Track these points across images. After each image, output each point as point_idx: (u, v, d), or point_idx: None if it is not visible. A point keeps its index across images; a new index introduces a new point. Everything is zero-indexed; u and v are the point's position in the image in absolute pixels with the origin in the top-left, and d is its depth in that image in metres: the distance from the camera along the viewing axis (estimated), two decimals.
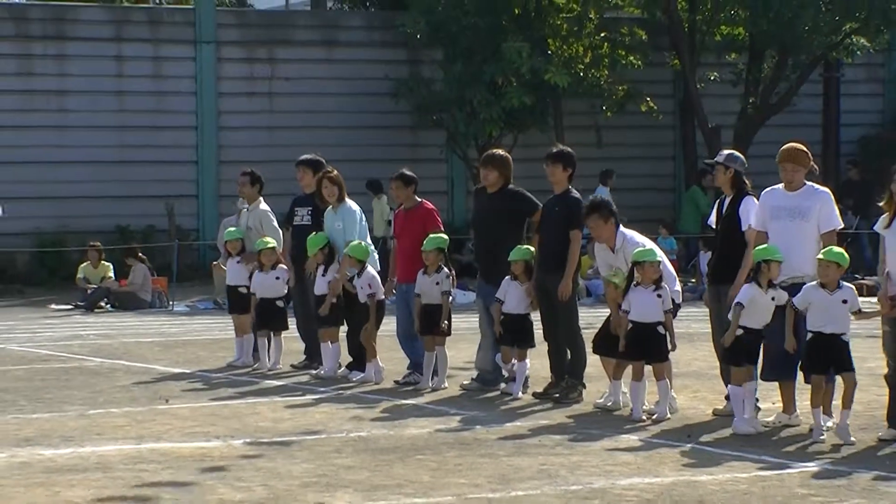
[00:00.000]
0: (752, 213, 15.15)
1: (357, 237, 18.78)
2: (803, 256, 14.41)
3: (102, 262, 31.78)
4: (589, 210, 16.36)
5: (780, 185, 15.04)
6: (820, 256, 14.06)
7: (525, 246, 17.12)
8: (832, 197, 15.22)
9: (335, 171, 19.55)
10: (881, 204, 14.43)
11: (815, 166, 15.62)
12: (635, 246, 16.09)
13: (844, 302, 13.97)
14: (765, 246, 14.60)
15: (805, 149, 15.17)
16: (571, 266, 16.71)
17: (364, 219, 19.51)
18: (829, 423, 14.17)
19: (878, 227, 14.54)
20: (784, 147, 15.19)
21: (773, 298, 14.48)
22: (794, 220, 14.78)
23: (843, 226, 15.33)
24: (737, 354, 14.61)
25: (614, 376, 16.14)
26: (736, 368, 14.62)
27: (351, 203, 19.26)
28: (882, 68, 43.55)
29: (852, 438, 13.89)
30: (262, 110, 38.42)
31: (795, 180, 14.95)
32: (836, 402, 14.31)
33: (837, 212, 15.18)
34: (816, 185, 15.22)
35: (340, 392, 17.90)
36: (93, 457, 13.56)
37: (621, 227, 16.36)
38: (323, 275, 18.90)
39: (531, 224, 17.57)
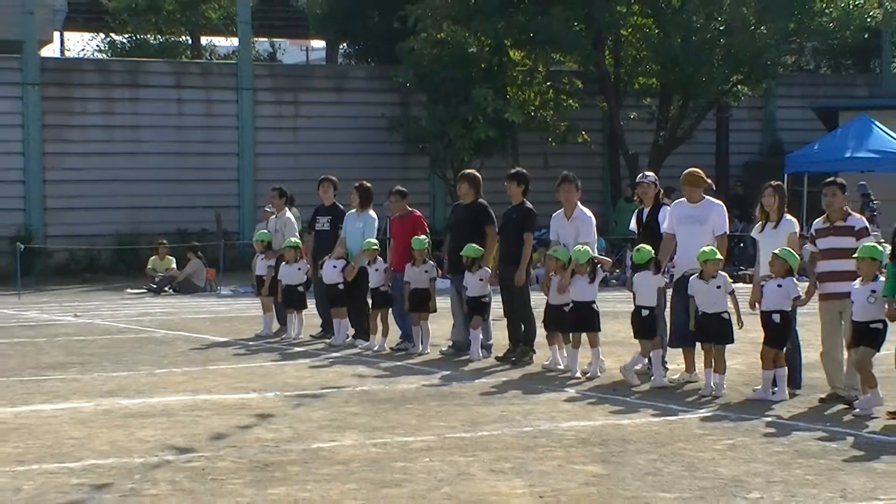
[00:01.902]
0: (666, 219, 15.31)
1: (373, 237, 18.81)
2: None
3: (167, 256, 31.83)
4: (562, 182, 16.65)
5: (684, 199, 15.15)
6: (701, 258, 14.15)
7: (472, 244, 17.14)
8: (725, 208, 15.35)
9: (367, 184, 19.56)
10: (756, 213, 14.60)
11: (712, 185, 15.71)
12: (587, 220, 16.37)
13: (718, 287, 14.09)
14: (645, 248, 15.04)
15: (700, 173, 15.29)
16: (525, 260, 16.78)
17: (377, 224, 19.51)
18: (717, 379, 14.22)
19: (754, 233, 14.72)
20: (684, 172, 15.33)
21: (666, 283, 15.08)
22: (695, 226, 14.92)
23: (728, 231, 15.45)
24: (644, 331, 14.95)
25: (551, 343, 16.28)
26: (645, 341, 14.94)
27: (372, 211, 19.26)
28: (761, 110, 43.62)
29: (724, 390, 14.01)
30: (289, 141, 38.39)
31: (694, 196, 15.07)
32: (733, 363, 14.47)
33: (727, 220, 15.29)
34: (713, 199, 15.33)
35: (348, 356, 17.91)
36: (159, 405, 13.58)
37: (579, 204, 16.50)
38: (334, 267, 18.94)
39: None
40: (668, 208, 15.53)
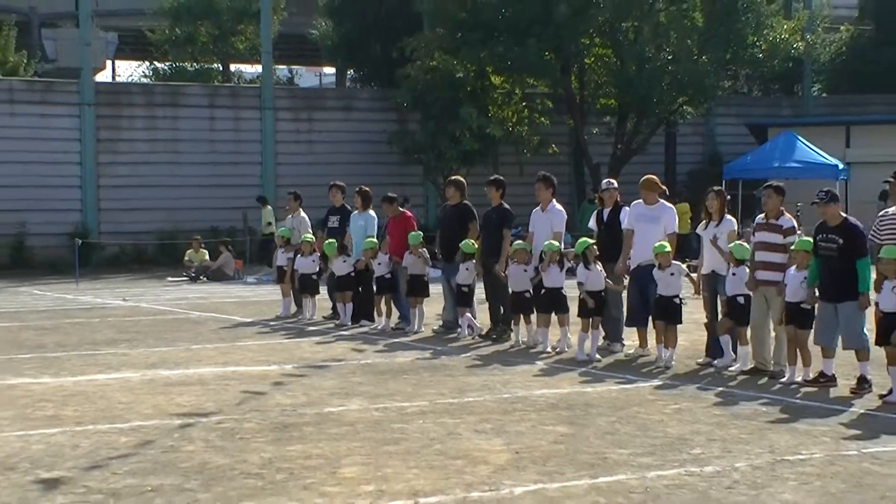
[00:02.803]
0: (626, 218, 15.35)
1: (373, 234, 18.76)
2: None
3: (201, 249, 31.79)
4: (540, 181, 16.57)
5: (641, 201, 15.18)
6: (655, 251, 14.28)
7: (467, 240, 17.14)
8: (675, 210, 15.40)
9: (366, 188, 19.59)
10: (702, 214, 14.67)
11: (666, 190, 15.75)
12: (559, 213, 16.40)
13: (672, 275, 14.21)
14: (583, 239, 15.24)
15: (656, 179, 15.36)
16: (504, 253, 16.72)
17: (377, 222, 19.47)
18: (667, 353, 14.25)
19: (699, 230, 14.76)
20: (642, 178, 15.37)
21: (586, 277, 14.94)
22: (650, 224, 14.98)
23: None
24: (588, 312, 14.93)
25: (521, 322, 16.37)
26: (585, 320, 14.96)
27: (371, 212, 19.24)
28: (703, 126, 43.59)
29: (673, 363, 14.10)
30: (304, 152, 38.32)
31: (650, 199, 15.11)
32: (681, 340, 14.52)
33: (677, 220, 15.34)
34: (665, 202, 15.35)
35: (354, 334, 17.89)
36: (195, 376, 13.57)
37: (554, 201, 16.50)
38: (343, 262, 19.01)
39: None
40: (627, 208, 15.58)
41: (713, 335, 14.17)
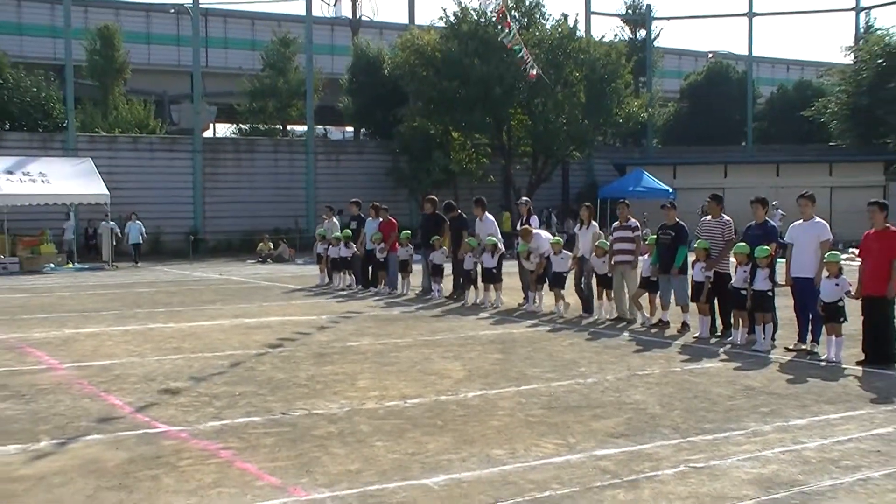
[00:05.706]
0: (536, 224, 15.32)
1: (379, 232, 18.62)
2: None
3: (268, 242, 31.60)
4: (475, 202, 16.49)
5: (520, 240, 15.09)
6: (552, 243, 14.34)
7: (436, 236, 17.04)
8: (544, 236, 15.21)
9: (377, 203, 19.40)
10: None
11: (531, 230, 15.50)
12: (490, 222, 16.21)
13: (563, 259, 14.20)
14: (555, 238, 14.97)
15: (530, 229, 14.98)
16: (462, 247, 16.57)
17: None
18: (562, 307, 14.27)
19: (575, 229, 14.80)
20: (522, 229, 15.13)
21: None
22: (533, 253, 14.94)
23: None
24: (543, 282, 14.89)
25: (467, 289, 16.23)
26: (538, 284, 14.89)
27: (381, 218, 18.97)
28: (585, 165, 43.56)
29: (565, 314, 14.05)
30: (333, 181, 38.09)
31: (528, 239, 14.94)
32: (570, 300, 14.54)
33: (547, 241, 15.17)
34: (539, 232, 15.15)
35: (365, 296, 17.80)
36: (265, 322, 13.49)
37: (487, 213, 16.39)
38: (347, 246, 18.93)
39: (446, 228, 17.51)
40: (536, 217, 15.53)
41: (586, 298, 14.18)
